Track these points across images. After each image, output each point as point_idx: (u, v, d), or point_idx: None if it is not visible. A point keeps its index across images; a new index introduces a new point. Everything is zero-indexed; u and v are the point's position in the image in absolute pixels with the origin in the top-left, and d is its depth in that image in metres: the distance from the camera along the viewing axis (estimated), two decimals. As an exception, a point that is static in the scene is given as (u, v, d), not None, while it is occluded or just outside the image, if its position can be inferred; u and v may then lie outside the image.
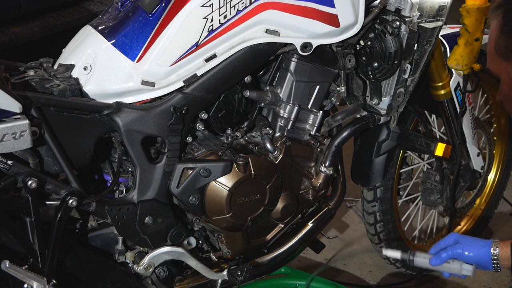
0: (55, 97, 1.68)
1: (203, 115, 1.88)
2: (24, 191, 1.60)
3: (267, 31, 1.83)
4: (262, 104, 1.95)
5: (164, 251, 1.85)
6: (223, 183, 1.83)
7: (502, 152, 2.84)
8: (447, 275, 1.80)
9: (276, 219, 2.01)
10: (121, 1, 1.85)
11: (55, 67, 1.82)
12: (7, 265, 1.53)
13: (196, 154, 1.85)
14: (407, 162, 2.58)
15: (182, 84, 1.80)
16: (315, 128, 2.00)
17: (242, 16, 1.79)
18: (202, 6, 1.75)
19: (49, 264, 1.64)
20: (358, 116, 2.12)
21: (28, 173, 1.60)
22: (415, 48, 2.00)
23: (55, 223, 1.65)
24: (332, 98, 2.07)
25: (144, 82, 1.77)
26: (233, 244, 1.99)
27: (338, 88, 2.02)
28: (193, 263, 1.89)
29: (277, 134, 1.96)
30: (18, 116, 1.56)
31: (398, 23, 1.96)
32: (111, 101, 1.77)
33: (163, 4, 1.77)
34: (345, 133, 2.05)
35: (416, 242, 2.68)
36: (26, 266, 1.58)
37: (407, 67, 2.02)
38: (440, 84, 2.36)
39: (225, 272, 1.94)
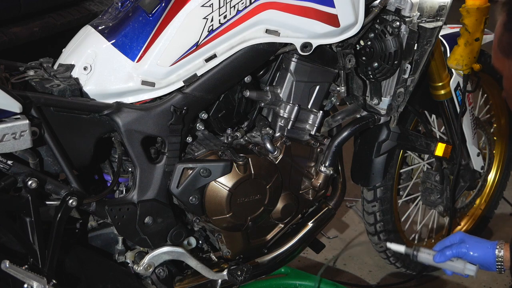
0: (55, 97, 1.68)
1: (203, 115, 1.88)
2: (24, 191, 1.60)
3: (267, 31, 1.83)
4: (262, 104, 1.95)
5: (164, 251, 1.85)
6: (223, 183, 1.83)
7: (502, 152, 2.84)
8: (449, 273, 1.79)
9: (276, 219, 2.01)
10: (121, 1, 1.85)
11: (55, 67, 1.82)
12: (7, 265, 1.53)
13: (196, 154, 1.85)
14: (407, 162, 2.58)
15: (182, 84, 1.80)
16: (315, 128, 2.00)
17: (242, 16, 1.79)
18: (202, 6, 1.75)
19: (49, 264, 1.64)
20: (358, 116, 2.12)
21: (28, 173, 1.60)
22: (415, 48, 2.00)
23: (55, 223, 1.65)
24: (332, 98, 2.07)
25: (144, 82, 1.77)
26: (233, 244, 1.99)
27: (338, 88, 2.02)
28: (193, 263, 1.89)
29: (277, 134, 1.96)
30: (18, 116, 1.56)
31: (398, 23, 1.96)
32: (111, 101, 1.77)
33: (163, 4, 1.77)
34: (345, 133, 2.05)
35: (416, 242, 2.68)
36: (26, 266, 1.58)
37: (407, 67, 2.02)
38: (440, 84, 2.36)
39: (225, 272, 1.94)
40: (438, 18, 2.05)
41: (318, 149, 2.00)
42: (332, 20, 1.88)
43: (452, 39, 2.31)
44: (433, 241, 2.73)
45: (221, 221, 1.88)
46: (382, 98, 2.08)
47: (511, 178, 2.93)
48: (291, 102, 1.95)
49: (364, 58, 2.02)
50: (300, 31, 1.86)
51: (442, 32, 2.29)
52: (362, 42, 2.02)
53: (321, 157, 2.01)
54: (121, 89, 1.77)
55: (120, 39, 1.78)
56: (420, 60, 2.04)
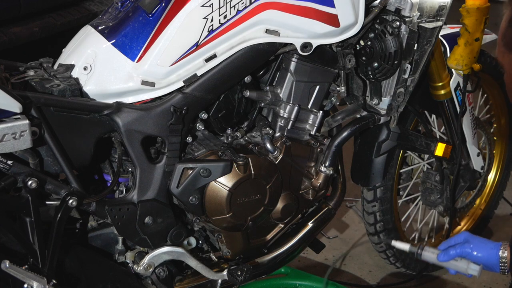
0: (55, 97, 1.68)
1: (203, 115, 1.88)
2: (24, 191, 1.60)
3: (267, 31, 1.83)
4: (262, 104, 1.95)
5: (164, 251, 1.85)
6: (223, 183, 1.83)
7: (502, 152, 2.84)
8: (453, 272, 1.80)
9: (276, 219, 2.01)
10: (121, 1, 1.85)
11: (55, 67, 1.82)
12: (7, 265, 1.53)
13: (196, 154, 1.85)
14: (407, 162, 2.58)
15: (182, 84, 1.80)
16: (315, 128, 2.00)
17: (242, 16, 1.79)
18: (202, 6, 1.75)
19: (49, 264, 1.64)
20: (358, 116, 2.12)
21: (28, 173, 1.60)
22: (415, 48, 2.00)
23: (55, 223, 1.65)
24: (332, 98, 2.07)
25: (144, 82, 1.77)
26: (233, 244, 1.99)
27: (338, 88, 2.02)
28: (193, 263, 1.89)
29: (277, 134, 1.96)
30: (18, 116, 1.56)
31: (398, 23, 1.96)
32: (111, 101, 1.77)
33: (163, 4, 1.77)
34: (345, 133, 2.05)
35: (416, 242, 2.68)
36: (26, 266, 1.58)
37: (407, 67, 2.02)
38: (440, 84, 2.36)
39: (225, 272, 1.94)
40: (438, 18, 2.05)
41: (318, 149, 2.00)
42: (332, 20, 1.88)
43: (452, 39, 2.31)
44: (433, 240, 2.73)
45: (221, 221, 1.88)
46: (382, 98, 2.08)
47: (511, 178, 2.93)
48: (291, 102, 1.95)
49: (364, 58, 2.02)
50: (300, 31, 1.86)
51: (442, 32, 2.29)
52: (362, 42, 2.02)
53: (321, 157, 2.01)
54: (121, 89, 1.77)
55: (120, 39, 1.78)
56: (420, 60, 2.04)
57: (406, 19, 1.96)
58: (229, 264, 1.97)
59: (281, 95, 1.94)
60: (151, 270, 1.85)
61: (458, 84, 2.37)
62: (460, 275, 1.81)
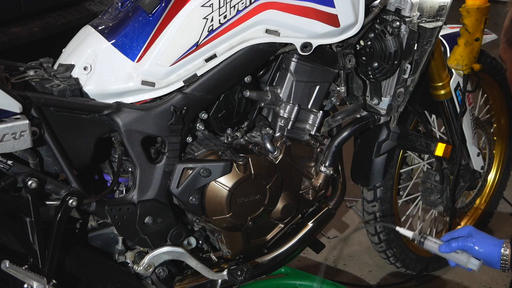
0: (55, 97, 1.68)
1: (203, 115, 1.88)
2: (24, 191, 1.60)
3: (267, 31, 1.83)
4: (262, 104, 1.95)
5: (164, 251, 1.85)
6: (223, 183, 1.83)
7: (502, 152, 2.84)
8: (453, 264, 1.80)
9: (276, 219, 2.01)
10: (121, 1, 1.85)
11: (55, 67, 1.82)
12: (7, 265, 1.53)
13: (196, 154, 1.85)
14: (407, 162, 2.58)
15: (182, 84, 1.80)
16: (315, 128, 2.00)
17: (242, 16, 1.79)
18: (202, 6, 1.75)
19: (49, 264, 1.64)
20: (358, 116, 2.12)
21: (28, 173, 1.60)
22: (415, 48, 2.00)
23: (55, 223, 1.65)
24: (332, 98, 2.07)
25: (144, 82, 1.77)
26: (233, 244, 1.99)
27: (338, 88, 2.02)
28: (193, 263, 1.89)
29: (277, 134, 1.96)
30: (18, 116, 1.56)
31: (398, 23, 1.96)
32: (111, 101, 1.77)
33: (163, 4, 1.77)
34: (345, 133, 2.05)
35: (416, 242, 2.68)
36: (26, 266, 1.58)
37: (407, 67, 2.02)
38: (440, 84, 2.36)
39: (225, 272, 1.94)
40: (438, 18, 2.05)
41: (318, 149, 2.00)
42: (332, 20, 1.88)
43: (452, 39, 2.31)
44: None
45: (221, 221, 1.88)
46: (382, 98, 2.08)
47: (511, 178, 2.93)
48: (291, 102, 1.95)
49: (364, 58, 2.02)
50: (300, 31, 1.86)
51: (442, 32, 2.30)
52: (362, 42, 2.02)
53: (321, 157, 2.01)
54: (121, 89, 1.77)
55: (120, 39, 1.78)
56: (420, 60, 2.04)
57: (406, 19, 1.96)
58: (229, 264, 1.97)
59: (281, 95, 1.94)
60: (151, 270, 1.85)
61: (458, 84, 2.37)
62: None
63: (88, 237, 1.88)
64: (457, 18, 2.18)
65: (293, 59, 1.92)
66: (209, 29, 1.77)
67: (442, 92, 2.37)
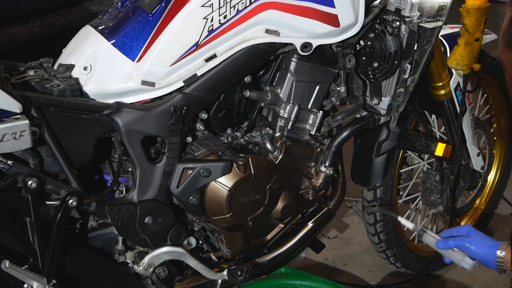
0: (55, 97, 1.68)
1: (203, 115, 1.88)
2: (24, 191, 1.60)
3: (267, 31, 1.83)
4: (262, 104, 1.95)
5: (164, 251, 1.85)
6: (223, 183, 1.83)
7: (502, 152, 2.84)
8: (448, 261, 1.82)
9: (276, 219, 2.01)
10: (121, 1, 1.85)
11: (55, 67, 1.82)
12: (7, 265, 1.53)
13: (196, 154, 1.85)
14: (407, 162, 2.58)
15: (182, 84, 1.80)
16: (315, 128, 2.00)
17: (242, 16, 1.79)
18: (202, 6, 1.75)
19: (49, 264, 1.64)
20: (358, 116, 2.12)
21: (28, 173, 1.60)
22: (415, 48, 2.00)
23: (55, 223, 1.65)
24: (332, 98, 2.07)
25: (144, 82, 1.77)
26: (233, 244, 1.99)
27: (338, 88, 2.02)
28: (193, 263, 1.89)
29: (277, 134, 1.96)
30: (18, 116, 1.56)
31: (398, 23, 1.96)
32: (111, 101, 1.77)
33: (163, 4, 1.77)
34: (345, 133, 2.05)
35: (415, 242, 2.68)
36: (26, 266, 1.58)
37: (407, 67, 2.02)
38: (440, 84, 2.36)
39: (225, 272, 1.94)
40: (438, 18, 2.05)
41: (318, 149, 2.00)
42: (332, 20, 1.88)
43: (452, 39, 2.31)
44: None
45: (221, 221, 1.88)
46: (382, 98, 2.08)
47: (511, 178, 2.93)
48: (291, 102, 1.95)
49: (364, 58, 2.02)
50: (300, 31, 1.86)
51: (442, 32, 2.29)
52: (362, 42, 2.02)
53: (321, 157, 2.01)
54: (121, 89, 1.77)
55: (120, 39, 1.78)
56: (420, 60, 2.04)
57: (406, 19, 1.96)
58: (229, 264, 1.97)
59: (281, 95, 1.94)
60: (151, 270, 1.85)
61: (458, 84, 2.37)
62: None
63: (88, 237, 1.88)
64: (457, 18, 2.18)
65: (293, 59, 1.92)
66: (209, 29, 1.77)
67: (442, 92, 2.37)
